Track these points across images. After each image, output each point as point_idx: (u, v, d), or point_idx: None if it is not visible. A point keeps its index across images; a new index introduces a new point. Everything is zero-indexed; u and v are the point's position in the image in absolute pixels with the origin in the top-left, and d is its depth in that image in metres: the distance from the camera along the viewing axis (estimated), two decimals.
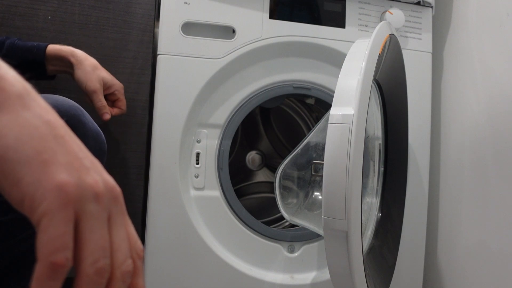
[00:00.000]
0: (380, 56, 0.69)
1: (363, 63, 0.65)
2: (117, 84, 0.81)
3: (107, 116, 0.76)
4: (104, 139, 0.64)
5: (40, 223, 0.23)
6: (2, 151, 0.24)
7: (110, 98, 0.81)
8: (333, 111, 0.64)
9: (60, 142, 0.26)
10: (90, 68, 0.75)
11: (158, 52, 0.87)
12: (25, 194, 0.24)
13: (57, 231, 0.23)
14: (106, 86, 0.78)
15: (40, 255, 0.23)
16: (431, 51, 1.02)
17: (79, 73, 0.74)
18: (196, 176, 0.89)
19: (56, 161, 0.24)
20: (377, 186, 0.91)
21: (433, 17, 1.04)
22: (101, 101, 0.75)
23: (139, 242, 0.29)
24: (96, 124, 0.63)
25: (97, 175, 0.27)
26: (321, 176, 0.63)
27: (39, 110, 0.26)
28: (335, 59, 0.95)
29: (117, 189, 0.28)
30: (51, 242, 0.23)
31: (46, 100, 0.28)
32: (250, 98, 0.92)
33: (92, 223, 0.25)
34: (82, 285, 0.24)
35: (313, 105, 1.10)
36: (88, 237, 0.25)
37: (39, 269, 0.23)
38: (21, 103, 0.25)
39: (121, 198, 0.28)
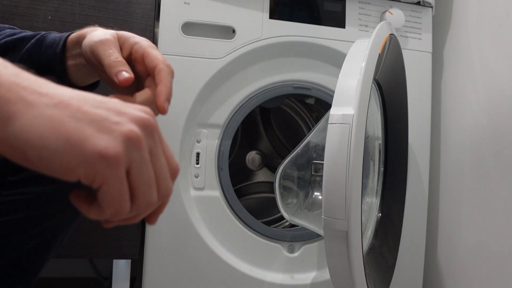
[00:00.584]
0: (380, 56, 0.69)
1: (363, 63, 0.65)
2: (143, 41, 0.47)
3: (124, 76, 0.41)
4: None
5: (100, 191, 0.27)
6: (36, 155, 0.25)
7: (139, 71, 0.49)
8: (333, 111, 0.64)
9: (79, 115, 0.26)
10: (101, 31, 0.48)
11: None
12: (77, 175, 0.26)
13: (116, 193, 0.27)
14: (122, 40, 0.47)
15: (105, 210, 0.27)
16: (431, 51, 1.02)
17: (85, 40, 0.47)
18: (196, 176, 0.89)
19: (85, 136, 0.25)
20: (377, 186, 0.91)
21: (433, 17, 1.04)
22: (112, 54, 0.43)
23: (175, 161, 0.32)
24: None
25: (127, 121, 0.28)
26: (321, 176, 0.63)
27: (42, 100, 0.26)
28: (335, 59, 0.95)
29: (150, 121, 0.29)
30: (114, 203, 0.27)
31: None
32: (250, 98, 0.92)
33: (139, 169, 0.28)
34: (135, 215, 0.30)
35: (313, 105, 1.10)
36: (139, 182, 0.28)
37: (106, 216, 0.28)
38: (23, 104, 0.25)
39: (155, 127, 0.30)
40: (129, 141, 0.27)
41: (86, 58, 0.47)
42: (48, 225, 0.53)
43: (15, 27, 0.58)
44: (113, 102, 0.29)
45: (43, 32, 0.54)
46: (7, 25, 0.58)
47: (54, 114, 0.25)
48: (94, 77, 0.53)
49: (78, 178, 0.26)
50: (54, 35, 0.52)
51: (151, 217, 0.32)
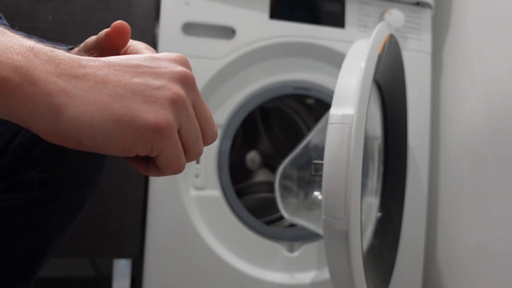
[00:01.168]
0: (379, 56, 0.69)
1: (363, 63, 0.65)
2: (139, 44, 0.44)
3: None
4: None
5: (158, 158, 0.28)
6: (91, 142, 0.25)
7: None
8: (333, 111, 0.64)
9: (120, 91, 0.26)
10: None
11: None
12: (135, 151, 0.27)
13: (173, 157, 0.28)
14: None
15: (165, 171, 0.29)
16: (430, 51, 1.02)
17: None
18: (197, 176, 0.90)
19: (133, 114, 0.26)
20: (377, 186, 0.91)
21: (433, 18, 1.04)
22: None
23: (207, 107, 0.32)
24: None
25: (167, 82, 0.28)
26: (321, 176, 0.63)
27: (81, 85, 0.25)
28: (335, 59, 0.95)
29: (187, 74, 0.29)
30: (172, 165, 0.28)
31: None
32: (250, 98, 0.92)
33: (188, 127, 0.29)
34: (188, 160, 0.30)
35: (313, 105, 1.10)
36: (189, 138, 0.29)
37: (165, 175, 0.30)
38: (64, 95, 0.25)
39: (193, 79, 0.30)
40: (176, 104, 0.27)
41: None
42: (41, 231, 0.52)
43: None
44: (146, 61, 0.28)
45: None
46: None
47: (97, 97, 0.25)
48: None
49: (136, 153, 0.27)
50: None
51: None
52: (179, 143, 0.28)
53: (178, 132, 0.28)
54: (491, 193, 0.84)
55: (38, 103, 0.24)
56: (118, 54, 0.41)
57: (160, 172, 0.29)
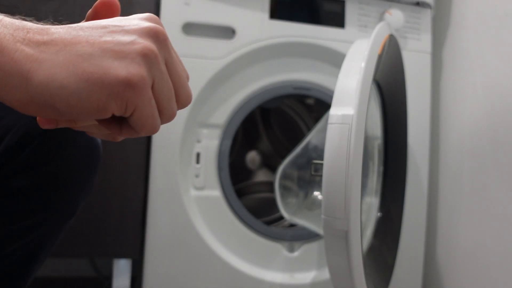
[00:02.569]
0: (379, 56, 0.69)
1: (363, 63, 0.65)
2: None
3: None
4: (99, 152, 0.52)
5: (132, 117, 0.27)
6: (65, 105, 0.25)
7: None
8: (333, 111, 0.64)
9: (89, 50, 0.26)
10: None
11: None
12: (111, 111, 0.26)
13: (148, 114, 0.27)
14: None
15: (139, 131, 0.28)
16: (430, 51, 1.02)
17: None
18: (197, 176, 0.90)
19: (104, 70, 0.25)
20: (377, 186, 0.91)
21: (432, 18, 1.04)
22: None
23: (184, 67, 0.32)
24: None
25: (137, 37, 0.27)
26: (321, 176, 0.63)
27: (49, 49, 0.25)
28: (335, 59, 0.95)
29: (159, 29, 0.28)
30: (147, 124, 0.28)
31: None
32: (250, 98, 0.92)
33: (161, 84, 0.28)
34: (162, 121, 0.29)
35: (313, 105, 1.10)
36: (162, 96, 0.28)
37: (139, 135, 0.29)
38: (32, 61, 0.25)
39: (165, 35, 0.29)
40: (147, 58, 0.27)
41: None
42: (32, 237, 0.50)
43: None
44: (114, 21, 0.28)
45: None
46: None
47: (66, 58, 0.25)
48: None
49: (112, 112, 0.26)
50: None
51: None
52: (153, 100, 0.27)
53: (152, 89, 0.27)
54: (491, 193, 0.84)
55: (7, 71, 0.24)
56: None
57: (134, 132, 0.28)
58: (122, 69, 0.25)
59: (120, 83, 0.25)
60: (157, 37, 0.28)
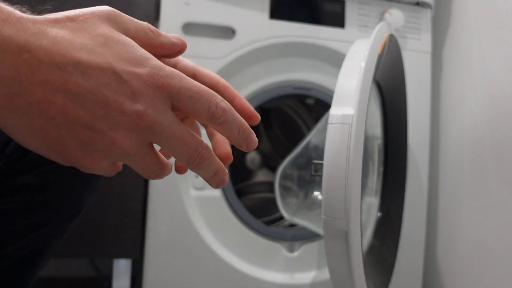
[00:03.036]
0: (379, 56, 0.69)
1: (363, 63, 0.65)
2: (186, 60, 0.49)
3: None
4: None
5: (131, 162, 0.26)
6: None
7: None
8: (333, 111, 0.64)
9: (61, 121, 0.24)
10: None
11: None
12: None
13: (147, 162, 0.27)
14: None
15: (144, 175, 0.28)
16: (430, 51, 1.02)
17: None
18: (197, 176, 0.90)
19: (68, 149, 0.24)
20: (377, 186, 0.91)
21: (433, 18, 1.04)
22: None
23: (211, 106, 0.27)
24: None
25: (110, 126, 0.24)
26: (321, 176, 0.63)
27: (24, 100, 0.23)
28: (335, 59, 0.95)
29: (142, 115, 0.25)
30: (147, 170, 0.27)
31: None
32: (250, 99, 0.92)
33: (131, 164, 0.27)
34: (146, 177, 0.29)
35: (313, 105, 1.10)
36: (135, 169, 0.27)
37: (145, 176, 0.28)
38: (6, 107, 0.23)
39: (149, 118, 0.25)
40: (112, 152, 0.25)
41: None
42: (37, 235, 0.50)
43: None
44: (111, 75, 0.24)
45: None
46: None
47: (34, 122, 0.23)
48: None
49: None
50: None
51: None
52: (155, 154, 0.27)
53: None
54: (491, 192, 0.84)
55: None
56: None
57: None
58: (85, 159, 0.25)
59: (86, 169, 0.25)
60: (139, 126, 0.25)
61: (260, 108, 1.21)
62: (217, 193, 0.90)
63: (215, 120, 0.27)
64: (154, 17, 0.92)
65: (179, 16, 0.87)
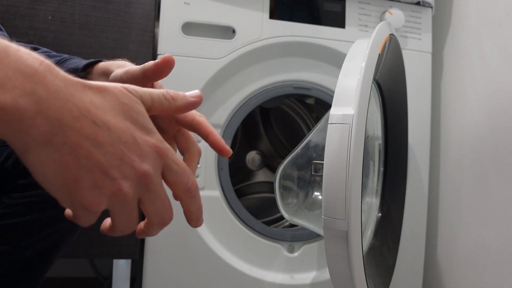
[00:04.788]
0: (380, 56, 0.69)
1: (363, 63, 0.65)
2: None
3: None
4: None
5: (75, 216, 0.29)
6: (37, 180, 0.28)
7: None
8: (333, 111, 0.64)
9: (84, 163, 0.28)
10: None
11: (158, 52, 0.87)
12: (64, 205, 0.29)
13: (87, 223, 0.30)
14: None
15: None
16: (431, 51, 1.02)
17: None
18: (196, 176, 0.89)
19: (80, 188, 0.28)
20: (377, 186, 0.91)
21: (433, 17, 1.04)
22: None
23: (188, 186, 0.33)
24: None
25: (121, 175, 0.29)
26: (321, 176, 0.63)
27: (61, 139, 0.27)
28: (335, 59, 0.95)
29: (146, 175, 0.30)
30: (84, 225, 0.30)
31: None
32: (250, 98, 0.92)
33: (117, 213, 0.30)
34: (112, 234, 0.32)
35: (313, 105, 1.10)
36: (115, 219, 0.31)
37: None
38: (43, 141, 0.26)
39: (150, 178, 0.30)
40: (115, 197, 0.29)
41: None
42: (58, 227, 0.54)
43: (51, 51, 0.59)
44: (128, 138, 0.30)
45: (66, 56, 0.56)
46: (45, 49, 0.59)
47: (63, 157, 0.27)
48: None
49: (62, 203, 0.29)
50: (74, 60, 0.55)
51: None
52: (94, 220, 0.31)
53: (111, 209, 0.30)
54: (492, 192, 0.84)
55: (17, 135, 0.26)
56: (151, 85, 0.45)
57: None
58: (88, 196, 0.28)
59: (79, 204, 0.28)
60: (140, 180, 0.30)
61: (260, 108, 1.21)
62: (217, 193, 0.90)
63: (188, 193, 0.34)
64: (154, 17, 0.92)
65: (179, 16, 0.87)
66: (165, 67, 0.41)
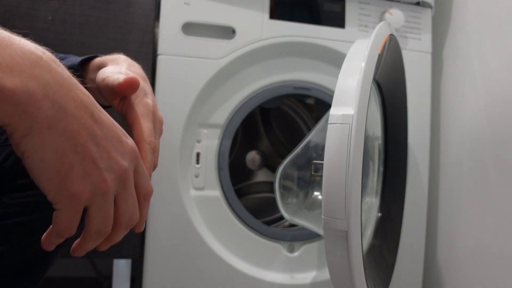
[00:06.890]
0: (380, 56, 0.69)
1: (363, 63, 0.65)
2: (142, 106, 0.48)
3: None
4: None
5: (57, 213, 0.31)
6: (30, 167, 0.28)
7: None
8: (333, 111, 0.64)
9: (79, 150, 0.29)
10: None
11: (158, 53, 0.87)
12: (49, 196, 0.30)
13: (67, 220, 0.31)
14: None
15: (53, 229, 0.32)
16: (430, 51, 1.02)
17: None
18: (196, 176, 0.89)
19: (71, 175, 0.29)
20: (377, 186, 0.91)
21: (433, 18, 1.04)
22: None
23: (147, 190, 0.37)
24: None
25: (107, 168, 0.31)
26: (321, 176, 0.63)
27: (63, 125, 0.28)
28: (335, 59, 0.95)
29: (126, 173, 0.33)
30: (61, 226, 0.31)
31: None
32: (250, 98, 0.92)
33: (97, 209, 0.31)
34: (85, 240, 0.34)
35: (313, 105, 1.10)
36: (93, 217, 0.32)
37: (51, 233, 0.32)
38: (47, 125, 0.27)
39: (128, 177, 0.33)
40: (99, 189, 0.31)
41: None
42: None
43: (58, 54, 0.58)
44: (114, 136, 0.32)
45: (61, 55, 0.57)
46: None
47: (62, 143, 0.28)
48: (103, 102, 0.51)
49: (46, 194, 0.30)
50: (70, 58, 0.56)
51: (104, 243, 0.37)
52: (77, 218, 0.31)
53: (88, 207, 0.32)
54: (491, 193, 0.84)
55: (19, 118, 0.27)
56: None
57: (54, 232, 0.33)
58: (77, 185, 0.29)
59: (66, 193, 0.29)
60: (121, 176, 0.33)
61: (260, 108, 1.21)
62: (217, 193, 0.90)
63: (146, 197, 0.36)
64: (154, 17, 0.92)
65: (179, 16, 0.87)
66: (127, 88, 0.43)
